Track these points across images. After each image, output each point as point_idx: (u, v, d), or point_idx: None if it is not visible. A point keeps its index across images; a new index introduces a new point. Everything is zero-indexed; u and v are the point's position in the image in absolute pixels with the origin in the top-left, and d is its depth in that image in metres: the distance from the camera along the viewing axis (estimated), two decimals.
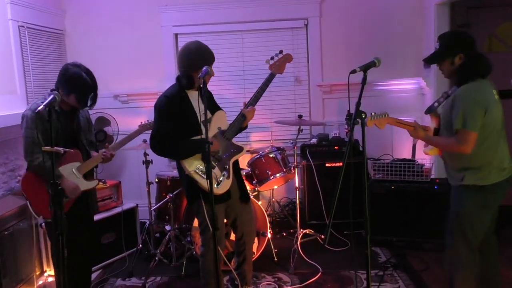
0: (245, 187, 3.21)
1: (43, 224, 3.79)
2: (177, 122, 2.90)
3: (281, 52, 3.25)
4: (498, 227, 2.85)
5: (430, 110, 2.86)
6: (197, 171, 2.87)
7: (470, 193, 2.65)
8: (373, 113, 2.74)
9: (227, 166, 3.00)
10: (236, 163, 3.10)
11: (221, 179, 2.94)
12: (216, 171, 2.94)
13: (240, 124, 3.07)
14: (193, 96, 2.98)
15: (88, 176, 3.06)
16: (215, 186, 2.89)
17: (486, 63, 2.66)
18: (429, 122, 2.93)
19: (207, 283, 3.06)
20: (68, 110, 2.97)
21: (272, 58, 3.22)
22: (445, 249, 2.81)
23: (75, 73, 2.85)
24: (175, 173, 4.37)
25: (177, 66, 2.99)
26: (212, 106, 3.08)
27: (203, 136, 2.67)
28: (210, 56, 2.94)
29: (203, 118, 2.83)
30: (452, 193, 2.78)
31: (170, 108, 2.88)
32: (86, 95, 2.89)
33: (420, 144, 3.45)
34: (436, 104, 2.82)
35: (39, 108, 2.35)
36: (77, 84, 2.84)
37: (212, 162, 2.90)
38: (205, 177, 2.82)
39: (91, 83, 2.89)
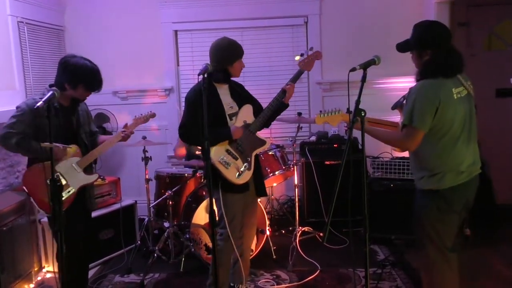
0: (262, 180, 3.30)
1: (41, 219, 3.80)
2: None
3: (311, 49, 3.28)
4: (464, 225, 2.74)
5: (395, 106, 2.81)
6: (221, 161, 2.98)
7: (427, 198, 2.54)
8: (321, 111, 2.74)
9: (249, 158, 3.10)
10: (256, 157, 3.18)
11: (242, 170, 3.04)
12: (238, 162, 3.05)
13: (276, 107, 3.10)
14: (222, 89, 3.10)
15: (88, 170, 3.06)
16: (236, 176, 3.01)
17: (454, 63, 2.50)
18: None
19: (220, 264, 2.88)
20: (68, 105, 2.96)
21: (302, 55, 3.27)
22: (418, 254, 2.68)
23: (77, 62, 2.87)
24: (174, 170, 4.38)
25: (210, 61, 3.06)
26: (242, 98, 3.18)
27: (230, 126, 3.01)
28: (241, 50, 3.11)
29: (229, 112, 3.07)
30: (415, 196, 2.64)
31: (197, 100, 2.93)
32: (94, 80, 2.91)
33: None
34: (402, 99, 2.72)
35: (38, 104, 2.34)
36: (83, 71, 2.86)
37: (235, 153, 3.05)
38: (228, 167, 2.99)
39: (95, 66, 2.93)
